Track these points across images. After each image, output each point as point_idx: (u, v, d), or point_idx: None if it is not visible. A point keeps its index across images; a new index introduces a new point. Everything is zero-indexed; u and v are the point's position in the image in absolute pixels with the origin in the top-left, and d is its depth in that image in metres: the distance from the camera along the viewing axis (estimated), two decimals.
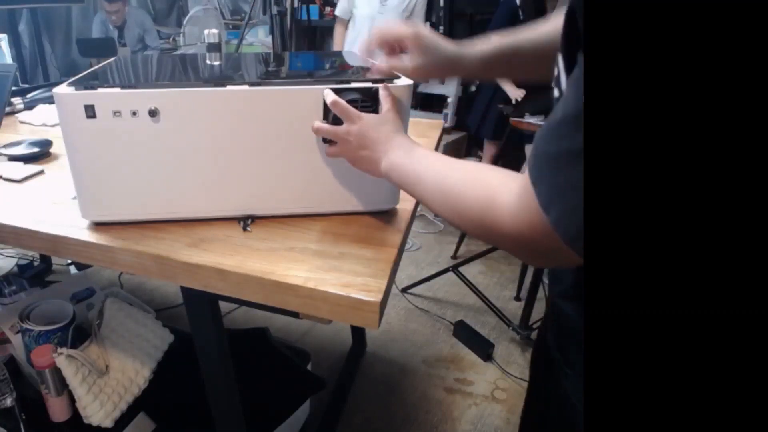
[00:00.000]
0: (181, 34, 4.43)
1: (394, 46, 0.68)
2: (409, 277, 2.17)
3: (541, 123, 1.81)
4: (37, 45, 3.23)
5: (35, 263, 2.15)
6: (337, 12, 2.73)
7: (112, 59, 0.82)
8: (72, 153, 0.66)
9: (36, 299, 1.16)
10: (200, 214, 0.71)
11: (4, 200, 0.79)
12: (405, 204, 0.79)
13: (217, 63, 0.78)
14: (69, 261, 2.13)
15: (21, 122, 1.22)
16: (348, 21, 2.69)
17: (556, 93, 0.43)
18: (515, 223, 0.40)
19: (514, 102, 2.27)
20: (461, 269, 2.06)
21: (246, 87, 0.64)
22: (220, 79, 0.66)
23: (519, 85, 2.34)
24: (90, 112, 0.62)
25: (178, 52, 4.29)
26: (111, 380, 1.06)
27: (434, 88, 3.34)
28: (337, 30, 2.76)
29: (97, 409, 1.02)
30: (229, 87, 0.64)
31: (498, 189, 0.43)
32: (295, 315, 0.63)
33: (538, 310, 1.83)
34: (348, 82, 0.66)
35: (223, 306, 0.81)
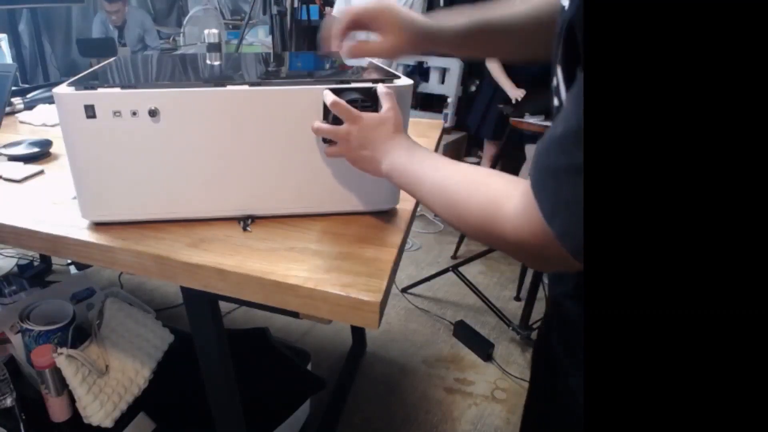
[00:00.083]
0: (181, 34, 4.44)
1: (366, 27, 0.66)
2: (409, 277, 2.17)
3: (541, 123, 1.82)
4: (37, 45, 3.23)
5: (35, 263, 2.15)
6: (334, 13, 2.73)
7: (112, 59, 0.82)
8: (72, 153, 0.66)
9: (36, 299, 1.16)
10: (200, 214, 0.71)
11: (4, 200, 0.79)
12: (405, 204, 0.79)
13: (217, 63, 0.78)
14: (69, 261, 2.14)
15: (21, 122, 1.22)
16: None
17: (555, 102, 0.44)
18: (518, 231, 0.40)
19: (514, 102, 2.27)
20: (461, 269, 2.06)
21: (246, 87, 0.64)
22: (220, 79, 0.66)
23: (519, 85, 2.34)
24: (90, 112, 0.62)
25: (178, 52, 4.29)
26: (111, 380, 1.06)
27: (434, 88, 3.34)
28: None
29: (97, 409, 1.02)
30: (229, 87, 0.64)
31: (501, 197, 0.43)
32: (295, 315, 0.63)
33: (538, 310, 1.83)
34: (348, 82, 0.66)
35: (223, 306, 0.81)
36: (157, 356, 1.16)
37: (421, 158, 0.57)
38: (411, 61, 3.36)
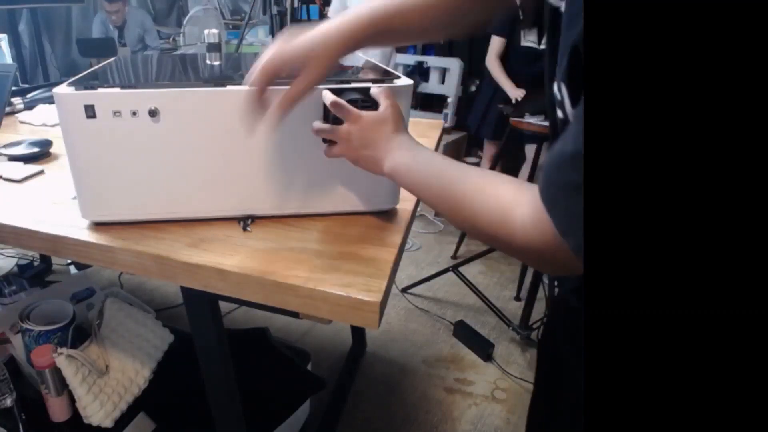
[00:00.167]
0: (181, 34, 4.44)
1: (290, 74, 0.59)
2: (409, 277, 2.17)
3: (541, 123, 1.82)
4: (37, 45, 3.23)
5: (35, 263, 2.15)
6: (330, 14, 2.73)
7: (112, 59, 0.82)
8: (72, 153, 0.66)
9: (36, 299, 1.16)
10: (200, 214, 0.71)
11: (4, 200, 0.79)
12: (405, 204, 0.79)
13: (217, 63, 0.78)
14: (69, 261, 2.14)
15: (21, 122, 1.22)
16: None
17: (559, 114, 0.44)
18: (528, 239, 0.41)
19: (514, 102, 2.27)
20: (461, 269, 2.06)
21: (246, 87, 0.64)
22: (220, 79, 0.66)
23: (519, 85, 2.34)
24: (90, 112, 0.62)
25: (178, 52, 4.29)
26: (111, 380, 1.06)
27: (434, 88, 3.34)
28: None
29: (97, 409, 1.02)
30: (229, 87, 0.64)
31: (510, 203, 0.44)
32: (295, 315, 0.63)
33: (538, 310, 1.83)
34: (348, 82, 0.66)
35: (223, 306, 0.81)
36: (157, 356, 1.16)
37: (424, 159, 0.57)
38: (411, 61, 3.37)
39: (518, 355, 1.78)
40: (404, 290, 2.11)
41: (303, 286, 0.59)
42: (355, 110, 0.62)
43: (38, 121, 1.21)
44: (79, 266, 2.06)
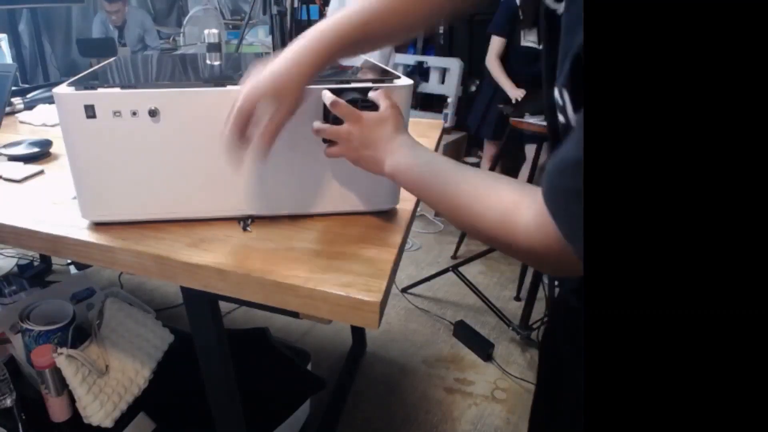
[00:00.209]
0: (181, 34, 4.44)
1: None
2: (409, 277, 2.17)
3: (541, 123, 1.82)
4: (37, 45, 3.23)
5: (35, 263, 2.15)
6: (328, 14, 2.73)
7: (112, 59, 0.82)
8: (72, 153, 0.66)
9: (36, 299, 1.16)
10: (200, 214, 0.71)
11: (4, 200, 0.79)
12: (405, 204, 0.79)
13: (217, 63, 0.78)
14: (69, 261, 2.14)
15: (21, 122, 1.22)
16: None
17: (561, 119, 0.44)
18: (531, 242, 0.42)
19: (514, 102, 2.27)
20: (461, 269, 2.06)
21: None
22: (220, 79, 0.66)
23: (519, 85, 2.34)
24: (90, 112, 0.62)
25: (178, 52, 4.29)
26: (111, 380, 1.06)
27: (434, 88, 3.34)
28: None
29: (97, 409, 1.02)
30: (229, 87, 0.64)
31: (512, 205, 0.44)
32: (295, 315, 0.63)
33: (538, 310, 1.83)
34: (348, 82, 0.66)
35: (223, 306, 0.81)
36: (157, 356, 1.16)
37: (425, 159, 0.57)
38: (411, 61, 3.37)
39: (518, 355, 1.78)
40: (404, 290, 2.11)
41: (303, 286, 0.59)
42: (356, 110, 0.62)
43: (38, 121, 1.21)
44: (79, 266, 2.06)
